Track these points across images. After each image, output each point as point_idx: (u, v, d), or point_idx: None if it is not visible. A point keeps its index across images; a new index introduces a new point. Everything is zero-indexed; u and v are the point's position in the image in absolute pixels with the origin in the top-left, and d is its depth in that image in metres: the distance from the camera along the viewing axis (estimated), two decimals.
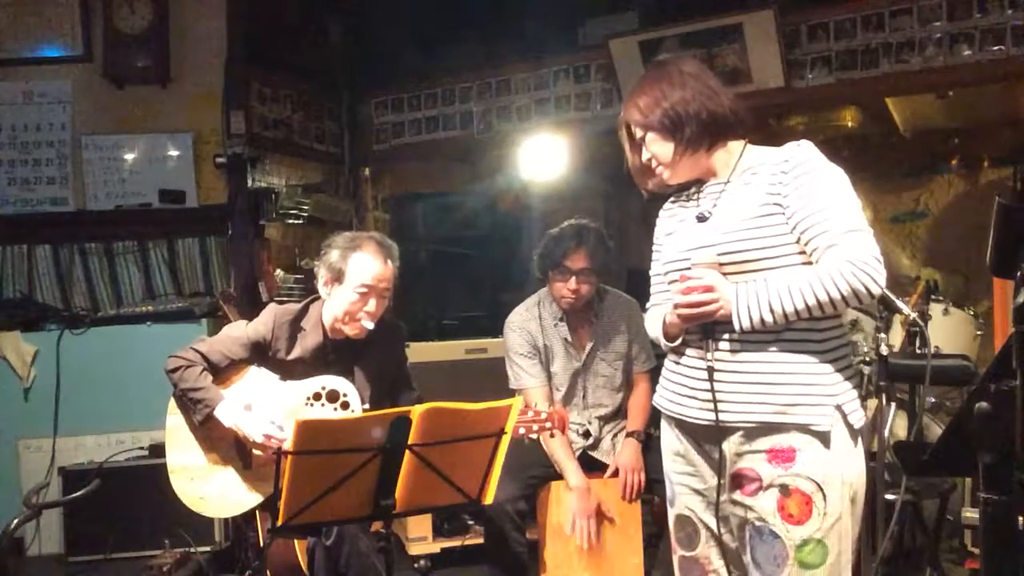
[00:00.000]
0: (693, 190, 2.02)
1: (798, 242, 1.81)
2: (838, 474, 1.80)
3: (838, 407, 1.81)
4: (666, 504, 2.08)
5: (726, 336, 1.84)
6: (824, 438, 1.80)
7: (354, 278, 2.63)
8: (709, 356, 1.85)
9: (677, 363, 1.97)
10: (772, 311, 1.77)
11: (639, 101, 1.95)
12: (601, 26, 4.68)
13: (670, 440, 2.02)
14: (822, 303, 1.75)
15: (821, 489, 1.79)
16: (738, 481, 1.86)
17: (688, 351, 1.93)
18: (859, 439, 1.85)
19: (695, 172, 1.97)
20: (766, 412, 1.81)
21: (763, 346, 1.82)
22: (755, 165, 1.92)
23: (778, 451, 1.81)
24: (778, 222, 1.82)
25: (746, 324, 1.79)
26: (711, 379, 1.84)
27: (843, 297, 1.74)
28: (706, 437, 1.91)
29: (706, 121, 1.90)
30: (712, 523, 1.93)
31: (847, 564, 1.84)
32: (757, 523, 1.83)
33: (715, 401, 1.84)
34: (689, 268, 1.87)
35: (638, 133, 1.96)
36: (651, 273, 2.11)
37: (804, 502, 1.79)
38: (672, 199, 2.10)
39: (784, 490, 1.80)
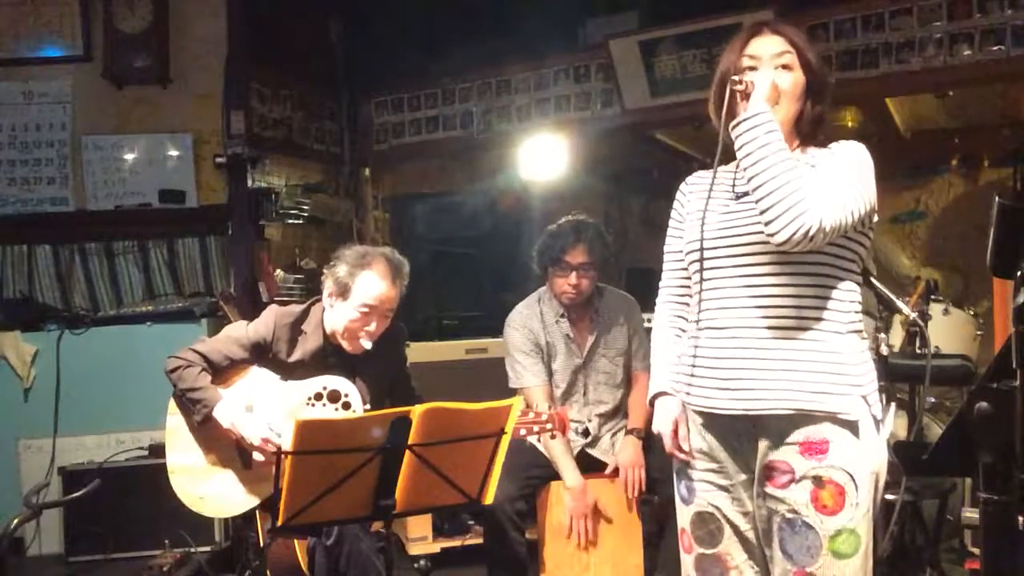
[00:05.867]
0: (733, 165, 1.97)
1: None
2: (867, 464, 1.81)
3: (863, 397, 1.81)
4: (674, 502, 2.05)
5: (754, 324, 1.82)
6: (854, 427, 1.80)
7: (358, 297, 2.61)
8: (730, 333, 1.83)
9: (697, 355, 1.91)
10: (762, 145, 1.76)
11: (810, 47, 1.93)
12: (601, 26, 4.69)
13: (692, 437, 1.96)
14: (771, 188, 1.74)
15: (853, 479, 1.79)
16: (768, 473, 1.84)
17: (715, 338, 1.88)
18: (880, 429, 1.86)
19: None
20: (800, 400, 1.79)
21: (791, 332, 1.80)
22: (804, 155, 1.92)
23: (811, 443, 1.80)
24: None
25: (744, 125, 1.79)
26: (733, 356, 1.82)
27: (781, 203, 1.73)
28: (735, 430, 1.88)
29: (821, 120, 1.93)
30: (738, 520, 1.91)
31: (871, 552, 1.85)
32: (788, 515, 1.81)
33: (746, 389, 1.82)
34: (720, 248, 1.86)
35: (788, 58, 1.90)
36: (666, 250, 2.04)
37: (838, 493, 1.78)
38: (700, 175, 2.06)
39: (818, 481, 1.79)
